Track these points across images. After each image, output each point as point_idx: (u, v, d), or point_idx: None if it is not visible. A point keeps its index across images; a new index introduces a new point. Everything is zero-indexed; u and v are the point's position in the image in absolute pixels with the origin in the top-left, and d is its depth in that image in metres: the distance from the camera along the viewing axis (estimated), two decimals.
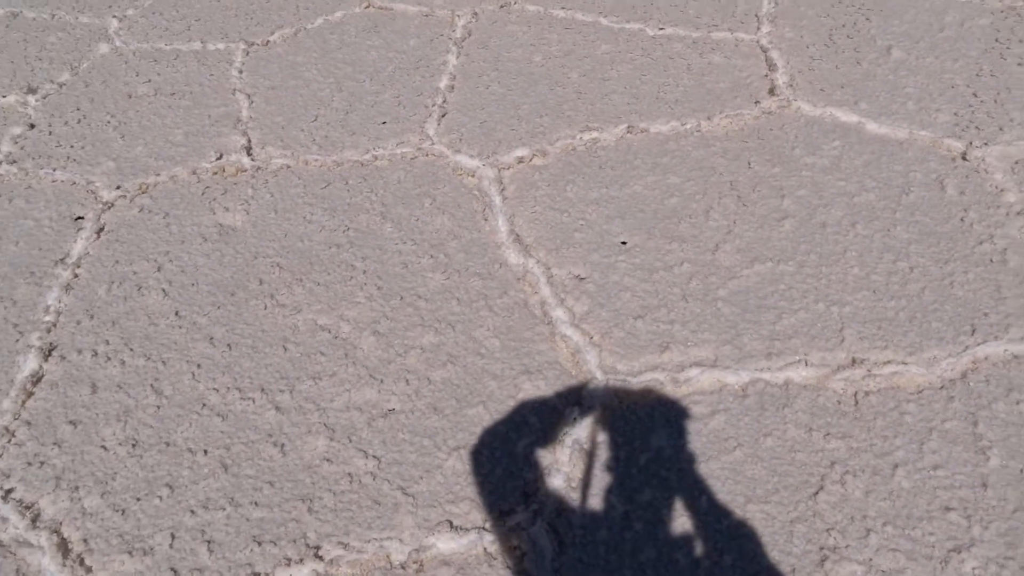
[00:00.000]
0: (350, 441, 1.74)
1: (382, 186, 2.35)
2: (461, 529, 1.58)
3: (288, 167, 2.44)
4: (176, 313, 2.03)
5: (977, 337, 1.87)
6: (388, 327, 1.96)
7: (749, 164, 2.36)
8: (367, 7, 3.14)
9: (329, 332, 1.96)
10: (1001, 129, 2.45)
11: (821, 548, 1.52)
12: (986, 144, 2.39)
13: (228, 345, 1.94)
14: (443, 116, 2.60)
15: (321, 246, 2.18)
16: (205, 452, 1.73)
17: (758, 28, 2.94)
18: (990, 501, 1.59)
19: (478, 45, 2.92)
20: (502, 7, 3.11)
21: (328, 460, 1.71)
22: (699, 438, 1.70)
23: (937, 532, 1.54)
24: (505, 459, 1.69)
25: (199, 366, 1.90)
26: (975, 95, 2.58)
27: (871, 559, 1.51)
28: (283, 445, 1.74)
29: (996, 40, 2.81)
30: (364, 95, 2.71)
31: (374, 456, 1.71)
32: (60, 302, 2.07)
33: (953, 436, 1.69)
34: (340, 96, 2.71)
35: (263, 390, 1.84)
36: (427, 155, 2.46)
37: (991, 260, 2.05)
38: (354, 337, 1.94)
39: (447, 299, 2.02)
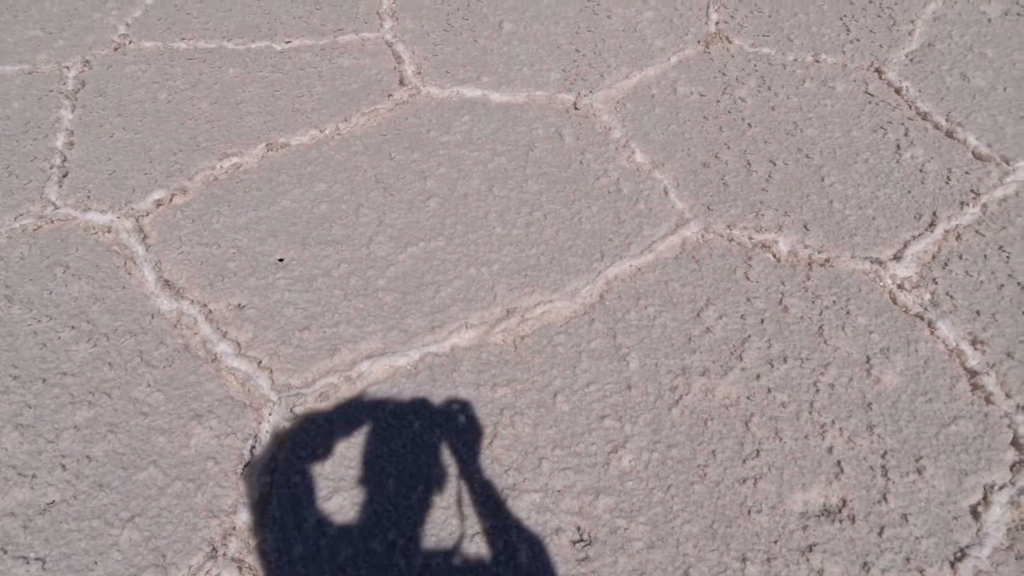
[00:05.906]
0: (6, 552, 1.55)
1: (2, 267, 2.11)
2: None
3: None
4: None
5: (606, 261, 2.10)
6: (33, 416, 1.78)
7: (390, 155, 2.44)
8: None
9: None
10: (602, 76, 2.75)
11: (503, 489, 1.63)
12: (591, 92, 2.68)
13: None
14: (65, 176, 2.39)
15: None
16: None
17: (381, 25, 3.04)
18: (636, 398, 1.79)
19: (95, 94, 2.72)
20: (116, 50, 2.92)
21: None
22: (379, 426, 1.74)
23: (597, 440, 1.72)
24: (187, 512, 1.61)
25: None
26: (577, 50, 2.88)
27: (546, 484, 1.64)
28: None
29: (588, 0, 3.15)
30: None
31: (37, 559, 1.54)
32: None
33: (599, 353, 1.88)
34: None
35: None
36: (52, 222, 2.25)
37: (609, 191, 2.31)
38: None
39: (97, 367, 1.87)
